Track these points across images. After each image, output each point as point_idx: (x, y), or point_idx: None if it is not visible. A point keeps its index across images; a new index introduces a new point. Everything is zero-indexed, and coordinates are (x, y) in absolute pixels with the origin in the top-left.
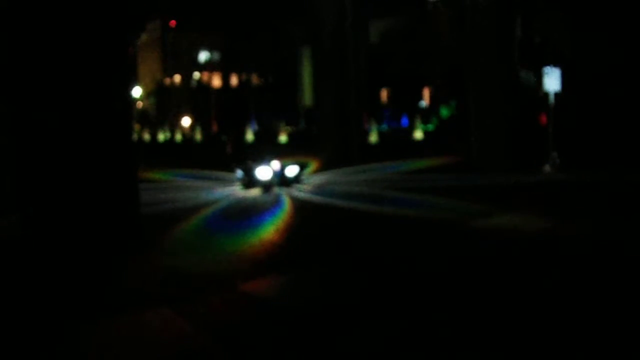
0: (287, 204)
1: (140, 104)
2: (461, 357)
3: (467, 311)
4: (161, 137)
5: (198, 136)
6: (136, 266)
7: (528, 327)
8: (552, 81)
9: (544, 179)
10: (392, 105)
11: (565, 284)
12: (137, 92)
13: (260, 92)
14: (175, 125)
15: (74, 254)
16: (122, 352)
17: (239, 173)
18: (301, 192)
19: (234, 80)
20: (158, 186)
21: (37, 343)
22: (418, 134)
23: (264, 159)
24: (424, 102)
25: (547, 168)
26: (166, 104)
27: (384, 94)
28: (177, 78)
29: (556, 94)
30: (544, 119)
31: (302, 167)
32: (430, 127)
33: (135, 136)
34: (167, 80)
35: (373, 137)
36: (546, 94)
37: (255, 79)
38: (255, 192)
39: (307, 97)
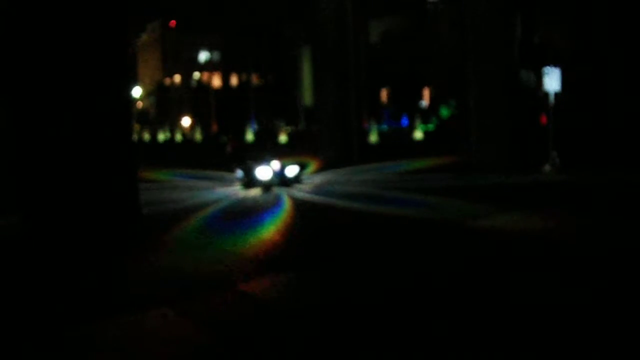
0: (287, 204)
1: (140, 104)
2: (461, 357)
3: (466, 311)
4: (161, 137)
5: (198, 136)
6: (136, 266)
7: (528, 327)
8: (552, 81)
9: (544, 179)
10: (392, 105)
11: (565, 284)
12: (137, 92)
13: (260, 92)
14: (175, 125)
15: (74, 254)
16: (122, 351)
17: (239, 173)
18: (301, 192)
19: (234, 80)
20: (158, 186)
21: (37, 343)
22: (418, 134)
23: (264, 159)
24: (424, 102)
25: (547, 168)
26: (166, 104)
27: (384, 94)
28: (177, 78)
29: (556, 94)
30: (544, 119)
31: (302, 167)
32: (431, 127)
33: (135, 136)
34: (167, 80)
35: (373, 137)
36: (546, 94)
37: (255, 79)
38: (255, 192)
39: (307, 97)
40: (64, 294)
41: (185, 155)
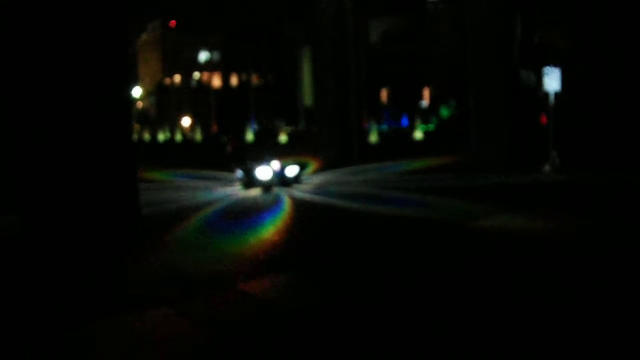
0: (287, 204)
1: (140, 104)
2: (461, 357)
3: (466, 311)
4: (161, 137)
5: (198, 136)
6: (137, 266)
7: (528, 327)
8: (552, 81)
9: (544, 179)
10: (392, 105)
11: (565, 284)
12: (137, 92)
13: (260, 92)
14: (175, 125)
15: (73, 254)
16: (122, 351)
17: (239, 173)
18: (301, 192)
19: (234, 80)
20: (158, 186)
21: (37, 343)
22: (418, 134)
23: (264, 159)
24: (424, 102)
25: (547, 168)
26: (166, 104)
27: (384, 94)
28: (177, 78)
29: (556, 94)
30: (544, 119)
31: (302, 167)
32: (431, 127)
33: (135, 136)
34: (167, 80)
35: (373, 137)
36: (546, 94)
37: (255, 79)
38: (255, 192)
39: (307, 97)
40: (64, 293)
41: (185, 155)
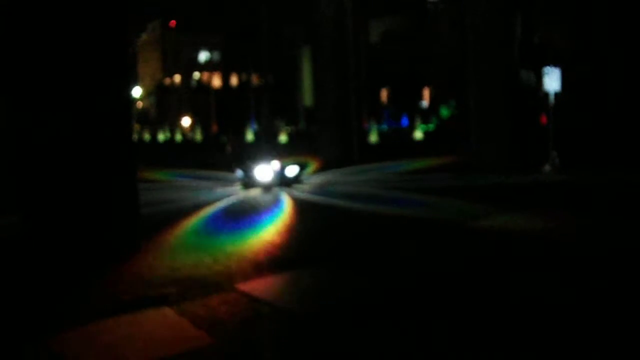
0: (287, 204)
1: (140, 104)
2: (461, 357)
3: (467, 311)
4: (161, 137)
5: (198, 136)
6: (136, 266)
7: (528, 327)
8: (552, 81)
9: (544, 179)
10: (392, 105)
11: (565, 284)
12: (137, 92)
13: (260, 92)
14: (175, 125)
15: (73, 254)
16: (122, 351)
17: (239, 173)
18: (301, 192)
19: (234, 80)
20: (158, 186)
21: (37, 343)
22: (418, 134)
23: (264, 159)
24: (424, 102)
25: (547, 168)
26: (166, 104)
27: (384, 94)
28: (177, 78)
29: (556, 94)
30: (544, 119)
31: (302, 167)
32: (431, 127)
33: (135, 136)
34: (167, 80)
35: (373, 137)
36: (546, 94)
37: (255, 79)
38: (255, 192)
39: (307, 97)
40: (63, 293)
41: (185, 155)
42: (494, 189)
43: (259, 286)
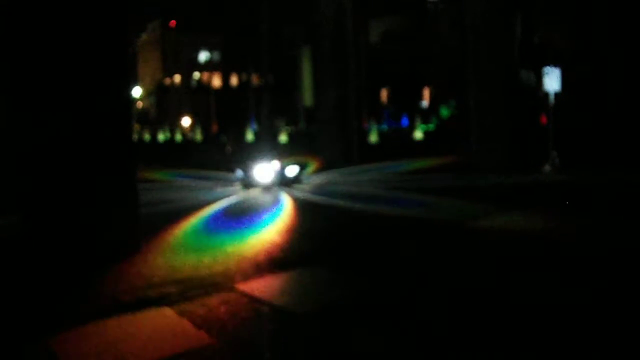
0: (287, 204)
1: (140, 104)
2: (461, 357)
3: (467, 311)
4: (161, 137)
5: (198, 136)
6: (136, 266)
7: (528, 327)
8: (552, 81)
9: (544, 179)
10: (392, 105)
11: (565, 284)
12: (137, 92)
13: (260, 92)
14: (175, 125)
15: (73, 254)
16: (122, 351)
17: (239, 173)
18: (301, 192)
19: (234, 80)
20: (158, 186)
21: (36, 343)
22: (418, 134)
23: (264, 159)
24: (424, 102)
25: (546, 168)
26: (166, 104)
27: (384, 94)
28: (177, 78)
29: (556, 94)
30: (544, 119)
31: (302, 167)
32: (431, 127)
33: (135, 136)
34: (167, 80)
35: (373, 137)
36: (546, 94)
37: (255, 79)
38: (255, 192)
39: (307, 97)
40: (63, 293)
41: (185, 155)
42: (494, 189)
43: (259, 286)
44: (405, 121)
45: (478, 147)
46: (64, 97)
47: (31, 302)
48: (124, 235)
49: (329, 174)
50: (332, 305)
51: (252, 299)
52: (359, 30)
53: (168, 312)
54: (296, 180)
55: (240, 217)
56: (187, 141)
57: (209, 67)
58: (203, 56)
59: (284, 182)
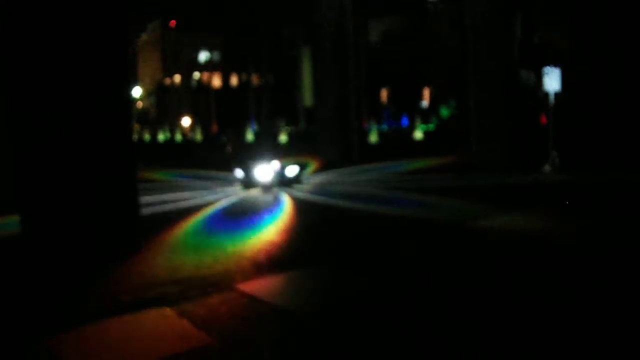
0: (287, 204)
1: (140, 104)
2: (461, 357)
3: (466, 311)
4: (161, 137)
5: (198, 136)
6: (136, 266)
7: (528, 327)
8: (552, 81)
9: (544, 179)
10: (392, 105)
11: (565, 284)
12: (137, 92)
13: (260, 92)
14: (175, 125)
15: (73, 254)
16: (122, 351)
17: (239, 173)
18: (301, 192)
19: (234, 80)
20: (158, 186)
21: (36, 343)
22: (418, 134)
23: (264, 159)
24: (425, 102)
25: (547, 168)
26: (166, 104)
27: (384, 94)
28: (177, 78)
29: (556, 94)
30: (544, 119)
31: (302, 167)
32: (431, 127)
33: (135, 136)
34: (167, 80)
35: (373, 137)
36: (546, 94)
37: (255, 79)
38: (255, 192)
39: (307, 97)
40: (63, 293)
41: (185, 155)
42: (493, 189)
43: (259, 286)
44: (405, 121)
45: (478, 147)
46: (64, 97)
47: (31, 302)
48: (124, 235)
49: (329, 174)
50: (332, 305)
51: (252, 299)
52: (359, 30)
53: (168, 312)
54: (296, 180)
55: (240, 217)
56: (187, 141)
57: (209, 67)
58: (203, 56)
59: (283, 182)
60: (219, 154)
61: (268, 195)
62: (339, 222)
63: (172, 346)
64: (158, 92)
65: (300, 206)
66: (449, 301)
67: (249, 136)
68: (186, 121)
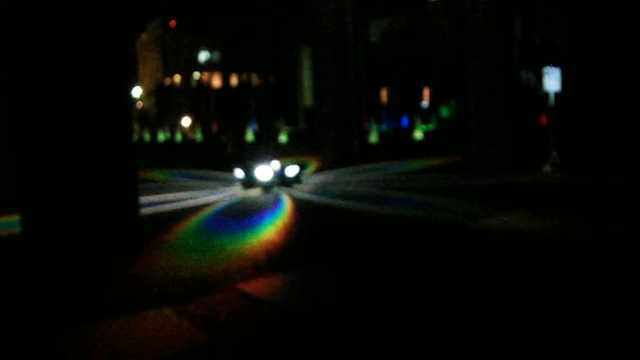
0: (287, 204)
1: (140, 104)
2: (461, 357)
3: (466, 311)
4: (161, 137)
5: (198, 136)
6: (136, 266)
7: (528, 327)
8: (552, 81)
9: (544, 179)
10: (392, 105)
11: (565, 284)
12: (137, 92)
13: (260, 92)
14: (175, 125)
15: (73, 254)
16: (122, 351)
17: (239, 173)
18: (301, 192)
19: (234, 80)
20: (158, 186)
21: (36, 343)
22: (418, 134)
23: (264, 159)
24: (425, 102)
25: (547, 168)
26: (166, 104)
27: (384, 94)
28: (177, 78)
29: (556, 94)
30: (544, 118)
31: (302, 167)
32: (431, 127)
33: (135, 136)
34: (167, 80)
35: (373, 137)
36: (546, 94)
37: (255, 79)
38: (255, 192)
39: (307, 97)
40: (63, 293)
41: (185, 155)
42: (494, 189)
43: (259, 286)
44: (405, 121)
45: (478, 147)
46: (64, 97)
47: (31, 302)
48: (124, 235)
49: (329, 174)
50: (332, 305)
51: (252, 299)
52: (359, 30)
53: (168, 312)
54: (296, 180)
55: (240, 217)
56: (187, 141)
57: (209, 67)
58: (203, 56)
59: (284, 182)
60: (219, 154)
61: (268, 195)
62: (339, 222)
63: (172, 346)
64: (158, 92)
65: (301, 206)
66: (450, 301)
67: (249, 136)
68: (186, 121)
